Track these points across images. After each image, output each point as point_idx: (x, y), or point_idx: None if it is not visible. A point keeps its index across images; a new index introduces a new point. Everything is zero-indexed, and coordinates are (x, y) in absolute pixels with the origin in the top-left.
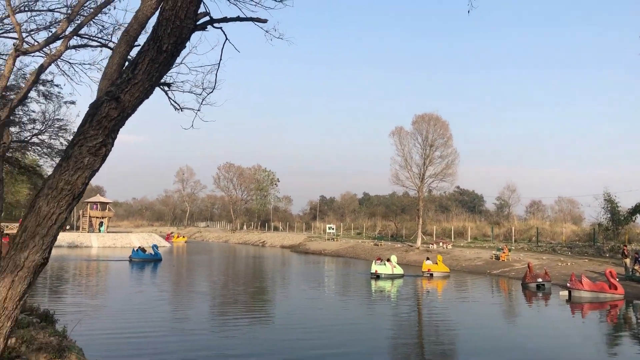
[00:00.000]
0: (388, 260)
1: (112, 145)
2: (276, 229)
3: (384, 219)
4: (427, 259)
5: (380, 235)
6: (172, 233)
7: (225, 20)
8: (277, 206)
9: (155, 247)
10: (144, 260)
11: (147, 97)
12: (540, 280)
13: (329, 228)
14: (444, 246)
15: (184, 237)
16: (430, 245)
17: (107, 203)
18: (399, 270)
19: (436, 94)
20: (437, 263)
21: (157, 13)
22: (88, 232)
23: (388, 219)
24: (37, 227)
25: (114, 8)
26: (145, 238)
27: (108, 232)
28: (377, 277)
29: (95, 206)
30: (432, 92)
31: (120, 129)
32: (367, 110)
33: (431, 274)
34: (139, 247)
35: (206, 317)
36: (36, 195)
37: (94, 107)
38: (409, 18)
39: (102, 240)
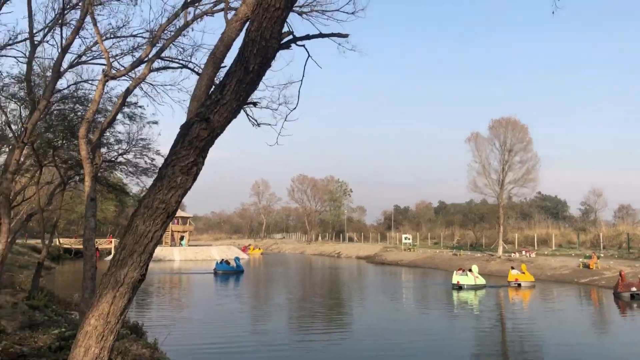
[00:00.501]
0: (469, 270)
1: (203, 164)
2: (351, 239)
3: (461, 228)
4: (512, 268)
5: (459, 244)
6: (249, 245)
7: (308, 37)
8: (351, 217)
9: (237, 259)
10: (228, 272)
11: (235, 117)
12: (634, 289)
13: (405, 238)
14: (527, 255)
15: (259, 249)
16: (512, 254)
17: (188, 217)
18: (481, 280)
19: (512, 98)
20: (524, 272)
21: (242, 34)
22: (170, 246)
23: (466, 227)
24: (134, 245)
25: (192, 30)
26: (224, 251)
27: (189, 245)
28: (459, 288)
29: (176, 221)
30: (508, 96)
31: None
32: (441, 116)
33: (519, 284)
34: (223, 259)
35: (286, 330)
36: (133, 214)
37: (185, 128)
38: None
39: (184, 254)
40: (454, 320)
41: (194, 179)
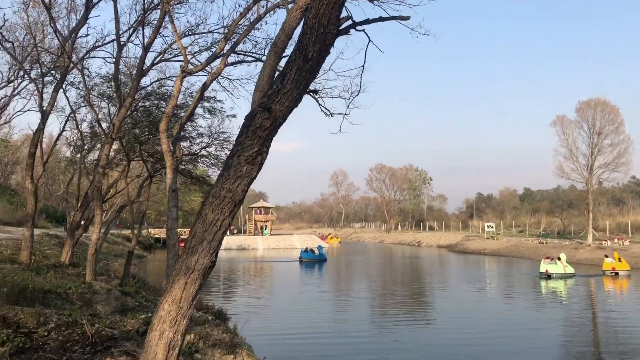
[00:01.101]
0: (558, 258)
1: (267, 154)
2: (431, 228)
3: (548, 215)
4: (606, 256)
5: (545, 232)
6: (329, 234)
7: (367, 22)
8: (431, 205)
9: (320, 248)
10: (312, 260)
11: (296, 105)
12: None
13: (488, 226)
14: (620, 242)
15: (337, 237)
16: (604, 242)
17: (270, 207)
18: (570, 269)
19: (601, 80)
20: (619, 260)
21: (301, 23)
22: (254, 235)
23: (553, 214)
24: (204, 233)
25: (265, 23)
26: (305, 239)
27: (271, 234)
28: (548, 277)
29: (259, 211)
30: (596, 77)
31: (275, 137)
32: (523, 101)
33: (616, 273)
34: (308, 248)
35: (366, 319)
36: (202, 203)
37: (249, 119)
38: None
39: (266, 243)
40: (541, 311)
41: (259, 168)
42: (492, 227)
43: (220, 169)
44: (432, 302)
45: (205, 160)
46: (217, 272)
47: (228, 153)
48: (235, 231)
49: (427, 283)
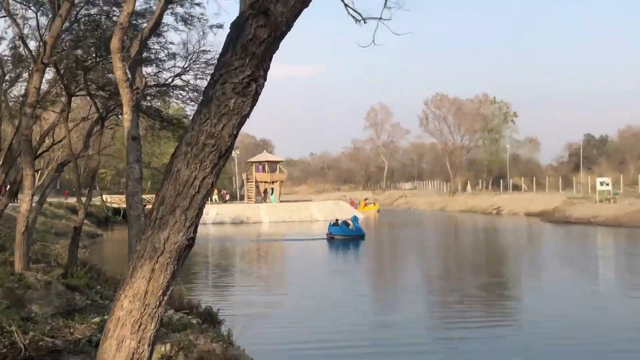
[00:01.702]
0: None
1: (265, 80)
2: (516, 188)
3: None
4: None
5: None
6: (365, 199)
7: None
8: (516, 154)
9: (355, 220)
10: (346, 237)
11: (306, 5)
12: None
13: (602, 183)
14: None
15: (374, 204)
16: None
17: (278, 162)
18: None
19: None
20: None
21: None
22: (255, 202)
23: None
24: (176, 197)
25: None
26: (330, 208)
27: (281, 201)
28: None
29: (261, 167)
30: None
31: (278, 57)
32: None
33: None
34: (339, 220)
35: (422, 322)
36: (173, 155)
37: (237, 28)
38: None
39: (274, 213)
40: None
41: (254, 101)
42: (608, 185)
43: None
44: (518, 297)
45: (181, 94)
46: (205, 256)
47: None
48: (228, 197)
49: (511, 269)
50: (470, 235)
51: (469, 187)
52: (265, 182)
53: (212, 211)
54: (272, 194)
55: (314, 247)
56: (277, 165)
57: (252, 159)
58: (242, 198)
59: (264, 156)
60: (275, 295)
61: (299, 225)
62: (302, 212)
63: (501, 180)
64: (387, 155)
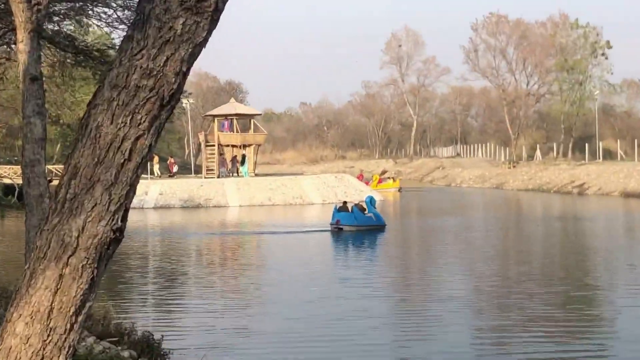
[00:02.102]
0: None
1: None
2: (609, 154)
3: None
4: None
5: None
6: (384, 172)
7: None
8: (610, 105)
9: (370, 201)
10: (359, 228)
11: None
12: None
13: None
14: None
15: (393, 180)
16: None
17: (253, 116)
18: None
19: None
20: None
21: None
22: (219, 177)
23: None
24: (96, 167)
25: None
26: (331, 185)
27: (256, 174)
28: None
29: (227, 123)
30: None
31: None
32: None
33: None
34: (350, 202)
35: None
36: (90, 105)
37: None
38: None
39: (246, 193)
40: None
41: (213, 22)
42: None
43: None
44: (608, 310)
45: (105, 13)
46: (142, 257)
47: None
48: (177, 168)
49: (600, 274)
50: (542, 226)
51: (538, 153)
52: (233, 145)
53: (154, 189)
54: (243, 164)
55: (309, 243)
56: (252, 121)
57: (214, 112)
58: (198, 170)
59: (232, 107)
60: (248, 317)
61: (285, 211)
62: (288, 191)
63: (587, 144)
64: (416, 107)
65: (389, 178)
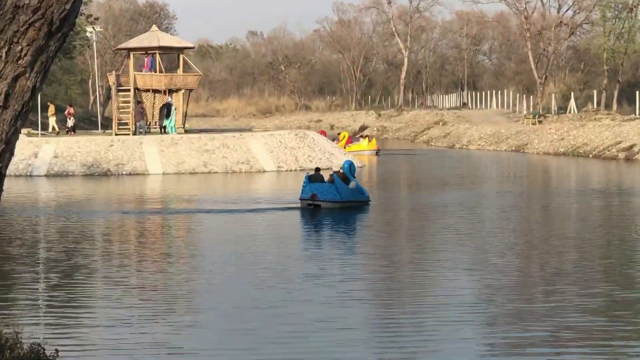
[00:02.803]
0: None
1: None
2: None
3: None
4: None
5: None
6: (362, 130)
7: None
8: None
9: (349, 168)
10: (337, 203)
11: None
12: None
13: None
14: None
15: (368, 138)
16: None
17: (182, 50)
18: None
19: None
20: None
21: None
22: (135, 133)
23: None
24: None
25: None
26: (289, 146)
27: (187, 131)
28: None
29: (148, 60)
30: None
31: None
32: None
33: None
34: (329, 170)
35: None
36: None
37: None
38: None
39: (171, 157)
40: None
41: None
42: None
43: None
44: None
45: None
46: (30, 244)
47: None
48: (72, 121)
49: None
50: (579, 210)
51: (572, 104)
52: (155, 91)
53: (46, 150)
54: (169, 116)
55: (261, 226)
56: (181, 57)
57: (130, 44)
58: (107, 125)
59: (154, 38)
60: (172, 329)
61: (226, 181)
62: (231, 154)
63: (637, 93)
64: (408, 39)
65: (361, 137)
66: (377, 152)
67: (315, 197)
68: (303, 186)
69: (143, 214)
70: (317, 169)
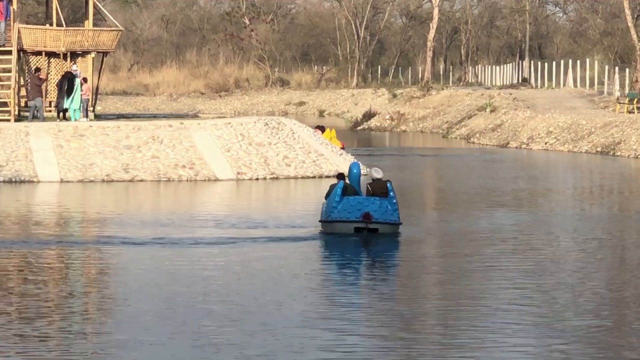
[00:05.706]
0: None
1: None
2: None
3: None
4: None
5: None
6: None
7: None
8: None
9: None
10: (394, 225)
11: None
12: None
13: None
14: None
15: (328, 130)
16: None
17: None
18: None
19: None
20: None
21: None
22: (19, 118)
23: None
24: None
25: None
26: (256, 141)
27: (98, 116)
28: None
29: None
30: None
31: None
32: None
33: None
34: (357, 172)
35: None
36: None
37: None
38: None
39: (74, 156)
40: None
41: None
42: None
43: None
44: None
45: None
46: None
47: None
48: None
49: None
50: None
51: None
52: (51, 54)
53: None
54: (71, 93)
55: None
56: (91, 2)
57: None
58: None
59: None
60: None
61: (158, 194)
62: (166, 154)
63: None
64: None
65: (317, 128)
66: (341, 149)
67: (369, 218)
68: (331, 201)
69: (24, 246)
70: (341, 175)
